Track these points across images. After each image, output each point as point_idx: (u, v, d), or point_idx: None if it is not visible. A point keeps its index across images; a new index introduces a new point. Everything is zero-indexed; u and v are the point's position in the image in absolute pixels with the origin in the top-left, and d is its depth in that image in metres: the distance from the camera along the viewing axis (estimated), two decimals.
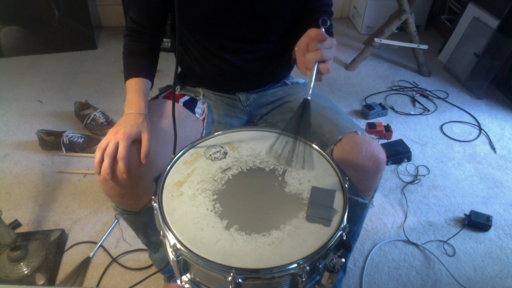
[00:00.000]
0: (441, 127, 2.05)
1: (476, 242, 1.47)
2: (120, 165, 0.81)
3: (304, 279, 0.66)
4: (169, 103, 1.02)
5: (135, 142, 0.85)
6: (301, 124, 0.78)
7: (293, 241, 0.69)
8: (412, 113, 2.16)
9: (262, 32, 1.03)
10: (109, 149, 0.82)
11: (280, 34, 1.07)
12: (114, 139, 0.83)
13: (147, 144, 0.85)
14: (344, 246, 0.70)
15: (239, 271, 0.64)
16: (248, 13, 0.97)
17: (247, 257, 0.67)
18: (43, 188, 1.66)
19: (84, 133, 1.91)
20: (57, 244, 1.39)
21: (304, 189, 0.79)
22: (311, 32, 0.81)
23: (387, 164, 1.77)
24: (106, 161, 0.81)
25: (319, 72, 0.80)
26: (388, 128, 1.95)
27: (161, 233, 0.73)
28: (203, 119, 1.07)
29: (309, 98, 0.79)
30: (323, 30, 0.81)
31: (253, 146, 0.90)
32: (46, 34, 2.59)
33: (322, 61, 0.79)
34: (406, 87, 2.37)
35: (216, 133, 0.94)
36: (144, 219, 0.99)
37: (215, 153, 0.88)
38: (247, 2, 0.96)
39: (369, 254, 1.41)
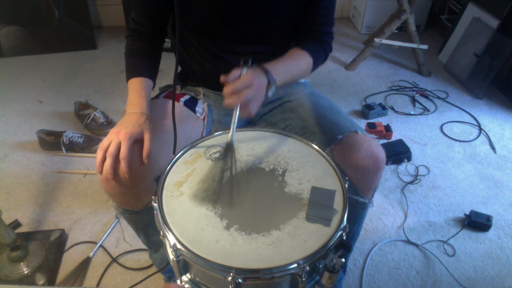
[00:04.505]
0: (441, 127, 2.05)
1: (476, 242, 1.47)
2: (123, 165, 0.81)
3: (304, 279, 0.66)
4: (170, 102, 1.02)
5: (137, 142, 0.85)
6: (226, 166, 0.80)
7: (293, 241, 0.69)
8: (412, 113, 2.16)
9: (263, 34, 1.03)
10: (111, 149, 0.82)
11: (281, 36, 1.07)
12: (116, 139, 0.83)
13: (149, 144, 0.85)
14: (344, 246, 0.70)
15: (239, 271, 0.64)
16: (248, 15, 0.97)
17: (247, 257, 0.67)
18: (43, 188, 1.66)
19: (84, 133, 1.91)
20: (57, 244, 1.39)
21: (304, 189, 0.79)
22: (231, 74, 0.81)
23: (387, 164, 1.77)
24: (108, 161, 0.81)
25: (241, 115, 0.81)
26: (388, 128, 1.95)
27: (161, 233, 0.73)
28: (204, 118, 1.07)
29: (232, 141, 0.81)
30: (245, 71, 0.81)
31: (253, 146, 0.90)
32: (46, 34, 2.59)
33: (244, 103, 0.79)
34: (406, 87, 2.37)
35: (216, 133, 0.94)
36: (145, 219, 0.99)
37: (215, 153, 0.88)
38: (247, 4, 0.96)
39: (369, 254, 1.41)
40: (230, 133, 0.84)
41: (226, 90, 0.80)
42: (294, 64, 1.00)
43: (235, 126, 0.83)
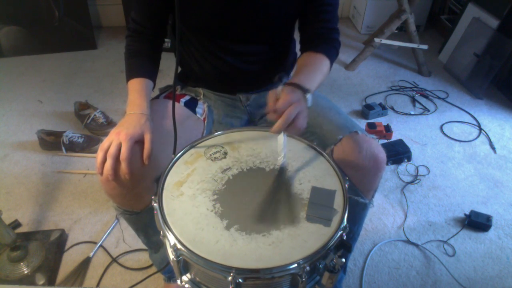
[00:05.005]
0: (441, 127, 2.05)
1: (476, 242, 1.47)
2: (123, 166, 0.81)
3: (304, 279, 0.66)
4: (171, 103, 1.02)
5: (137, 142, 0.85)
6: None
7: (293, 241, 0.69)
8: (412, 113, 2.16)
9: (263, 34, 1.03)
10: (112, 150, 0.81)
11: (281, 35, 1.07)
12: (116, 139, 0.83)
13: (149, 144, 0.85)
14: (344, 246, 0.70)
15: (239, 271, 0.64)
16: (248, 15, 0.97)
17: (247, 257, 0.67)
18: (43, 188, 1.66)
19: (84, 133, 1.91)
20: (57, 244, 1.39)
21: (304, 189, 0.79)
22: (269, 96, 0.80)
23: (387, 164, 1.76)
24: (109, 162, 0.81)
25: (293, 133, 0.80)
26: (388, 128, 1.95)
27: (161, 233, 0.73)
28: (204, 119, 1.07)
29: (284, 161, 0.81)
30: (280, 88, 0.80)
31: (253, 146, 0.90)
32: (46, 34, 2.59)
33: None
34: (406, 87, 2.37)
35: (216, 133, 0.94)
36: (145, 219, 0.99)
37: (215, 153, 0.88)
38: (247, 4, 0.96)
39: (369, 254, 1.41)
40: (281, 157, 0.83)
41: (271, 115, 0.79)
42: (316, 69, 0.98)
43: (285, 149, 0.82)
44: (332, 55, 1.03)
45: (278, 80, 0.82)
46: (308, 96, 0.85)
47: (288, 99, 0.78)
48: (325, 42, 1.03)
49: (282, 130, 0.78)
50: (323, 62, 1.00)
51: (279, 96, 0.79)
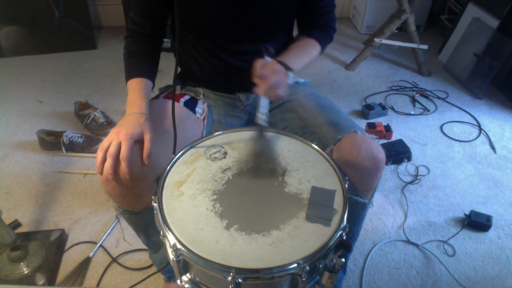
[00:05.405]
0: (441, 127, 2.05)
1: (476, 242, 1.47)
2: (123, 166, 0.81)
3: (304, 279, 0.66)
4: (170, 103, 1.02)
5: (137, 142, 0.85)
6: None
7: (293, 241, 0.69)
8: (412, 113, 2.16)
9: (261, 33, 1.03)
10: (112, 150, 0.81)
11: (280, 34, 1.07)
12: (116, 139, 0.83)
13: (149, 144, 0.85)
14: (344, 246, 0.70)
15: (239, 271, 0.64)
16: (247, 14, 0.98)
17: (247, 257, 0.67)
18: (43, 188, 1.66)
19: (84, 133, 1.91)
20: (57, 244, 1.39)
21: (304, 189, 0.79)
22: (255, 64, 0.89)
23: (387, 164, 1.77)
24: (109, 161, 0.81)
25: (272, 98, 0.89)
26: (388, 128, 1.95)
27: (161, 233, 0.73)
28: (204, 119, 1.07)
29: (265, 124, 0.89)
30: (268, 59, 0.90)
31: (253, 146, 0.90)
32: (46, 34, 2.59)
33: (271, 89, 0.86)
34: (406, 87, 2.37)
35: (216, 133, 0.94)
36: (145, 219, 0.99)
37: (215, 153, 0.88)
38: (245, 3, 0.96)
39: (369, 254, 1.41)
40: (259, 116, 0.90)
41: (255, 79, 0.88)
42: (305, 52, 1.05)
43: (265, 111, 0.89)
44: (325, 41, 1.11)
45: (266, 51, 0.91)
46: (290, 74, 0.93)
47: (272, 67, 0.89)
48: (320, 28, 1.11)
49: (263, 92, 0.87)
50: (313, 47, 1.08)
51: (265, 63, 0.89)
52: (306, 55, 1.05)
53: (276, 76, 0.87)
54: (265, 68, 0.88)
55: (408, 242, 1.47)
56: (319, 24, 1.10)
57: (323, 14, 1.09)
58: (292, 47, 1.04)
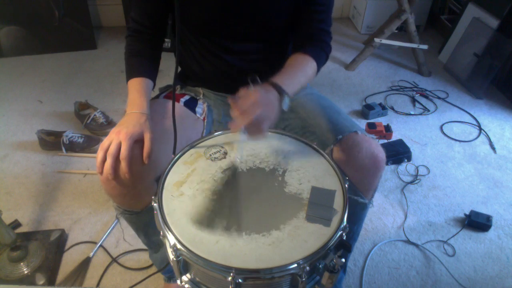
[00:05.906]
0: (441, 127, 2.05)
1: (476, 242, 1.47)
2: (123, 165, 0.81)
3: (304, 279, 0.66)
4: (170, 103, 1.02)
5: (137, 142, 0.85)
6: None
7: (293, 241, 0.69)
8: (412, 113, 2.16)
9: (261, 32, 1.03)
10: (112, 149, 0.81)
11: (280, 34, 1.07)
12: (116, 139, 0.83)
13: (149, 144, 0.85)
14: (344, 246, 0.70)
15: (239, 271, 0.64)
16: (247, 14, 0.98)
17: (247, 257, 0.67)
18: (43, 188, 1.66)
19: (84, 133, 1.91)
20: (57, 244, 1.39)
21: (304, 189, 0.79)
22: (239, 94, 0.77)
23: (387, 164, 1.77)
24: (109, 161, 0.81)
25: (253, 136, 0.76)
26: (388, 128, 1.95)
27: (161, 233, 0.73)
28: (204, 119, 1.07)
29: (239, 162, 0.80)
30: (251, 88, 0.77)
31: (253, 146, 0.90)
32: (46, 34, 2.59)
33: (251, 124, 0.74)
34: (406, 87, 2.37)
35: (216, 133, 0.94)
36: (145, 219, 0.99)
37: (215, 153, 0.88)
38: (246, 3, 0.96)
39: (369, 254, 1.41)
40: (238, 156, 0.82)
41: (234, 112, 0.75)
42: (300, 71, 0.97)
43: (242, 150, 0.81)
44: (321, 59, 1.02)
45: (251, 81, 0.79)
46: (285, 98, 0.83)
47: (252, 100, 0.75)
48: (314, 44, 1.02)
49: (239, 129, 0.75)
50: (309, 64, 0.99)
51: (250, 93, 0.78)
52: (302, 75, 0.96)
53: (257, 110, 0.74)
54: (245, 100, 0.75)
55: (408, 242, 1.47)
56: (313, 34, 1.02)
57: (318, 22, 1.02)
58: (287, 65, 0.96)
